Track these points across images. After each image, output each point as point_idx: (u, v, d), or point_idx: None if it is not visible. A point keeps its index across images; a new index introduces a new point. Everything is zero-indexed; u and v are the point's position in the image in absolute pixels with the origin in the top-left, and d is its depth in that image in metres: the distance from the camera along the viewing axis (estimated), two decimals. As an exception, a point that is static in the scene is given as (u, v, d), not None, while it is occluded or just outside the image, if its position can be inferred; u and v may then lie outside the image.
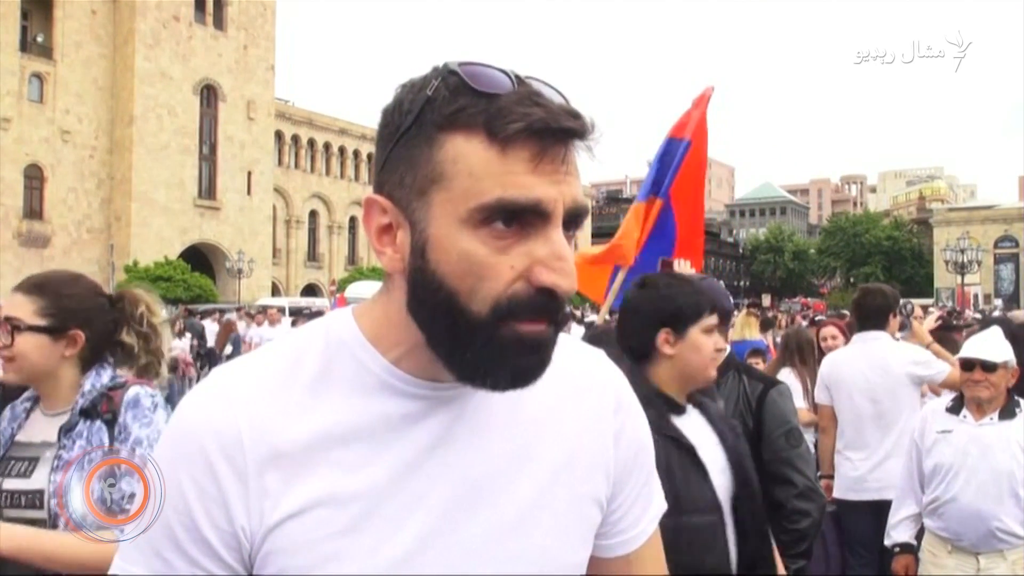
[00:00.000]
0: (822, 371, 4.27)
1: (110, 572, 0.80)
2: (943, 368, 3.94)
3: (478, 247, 0.72)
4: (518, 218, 0.72)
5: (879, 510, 3.91)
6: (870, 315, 4.15)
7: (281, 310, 15.93)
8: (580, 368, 0.93)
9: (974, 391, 2.94)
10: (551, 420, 0.88)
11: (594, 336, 3.27)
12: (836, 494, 4.07)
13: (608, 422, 0.92)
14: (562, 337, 0.93)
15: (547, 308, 0.74)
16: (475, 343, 0.74)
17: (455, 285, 0.73)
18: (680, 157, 4.05)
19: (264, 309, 11.81)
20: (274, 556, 0.76)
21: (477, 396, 0.80)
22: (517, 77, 0.74)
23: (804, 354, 5.14)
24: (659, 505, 1.00)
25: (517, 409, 0.84)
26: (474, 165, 0.71)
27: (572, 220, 0.75)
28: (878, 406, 3.95)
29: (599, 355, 0.98)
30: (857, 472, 3.97)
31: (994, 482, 2.86)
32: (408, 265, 0.76)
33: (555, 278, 0.72)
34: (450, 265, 0.73)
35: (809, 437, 5.15)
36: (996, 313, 21.31)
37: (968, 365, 2.94)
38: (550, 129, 0.71)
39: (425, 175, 0.73)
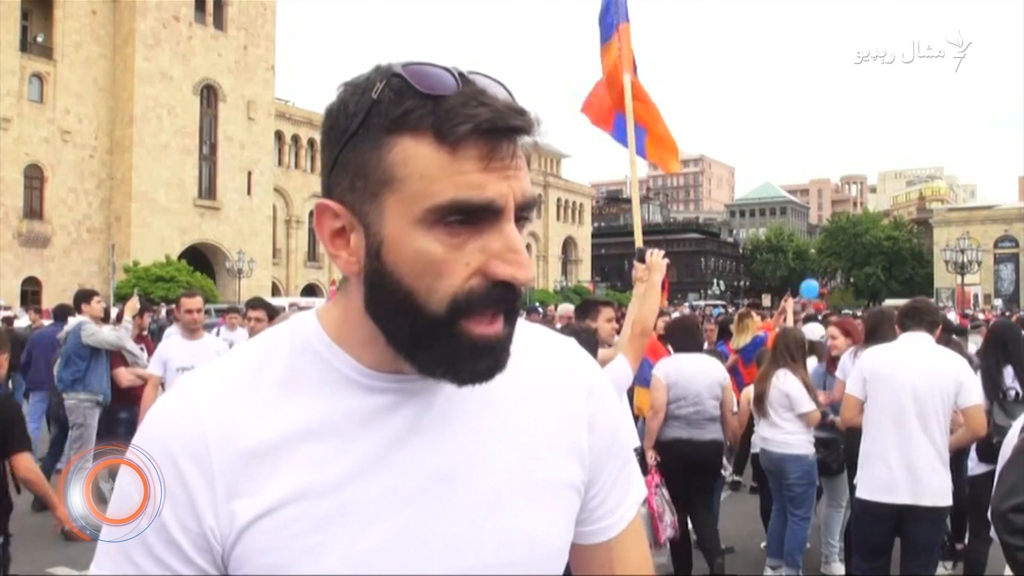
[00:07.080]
0: (863, 363, 4.10)
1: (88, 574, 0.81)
2: (977, 400, 3.89)
3: (433, 246, 0.73)
4: (472, 215, 0.73)
5: (903, 516, 3.80)
6: (924, 317, 4.04)
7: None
8: (551, 355, 0.94)
9: None
10: (522, 406, 0.88)
11: (572, 333, 3.27)
12: (863, 495, 3.91)
13: (581, 407, 0.92)
14: (532, 326, 0.95)
15: (504, 299, 0.75)
16: (434, 341, 0.75)
17: (412, 284, 0.74)
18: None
19: (227, 311, 8.82)
20: (249, 556, 0.76)
21: (445, 386, 0.80)
22: (461, 75, 0.74)
23: (795, 353, 5.17)
24: (639, 491, 1.00)
25: (487, 397, 0.83)
26: (425, 167, 0.72)
27: (523, 211, 0.76)
28: (920, 405, 3.82)
29: (570, 343, 0.98)
30: (892, 474, 3.81)
31: None
32: (364, 267, 0.77)
33: (511, 270, 0.74)
34: (406, 265, 0.74)
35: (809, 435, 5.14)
36: (996, 314, 21.18)
37: None
38: (497, 129, 0.72)
39: (376, 178, 0.74)
